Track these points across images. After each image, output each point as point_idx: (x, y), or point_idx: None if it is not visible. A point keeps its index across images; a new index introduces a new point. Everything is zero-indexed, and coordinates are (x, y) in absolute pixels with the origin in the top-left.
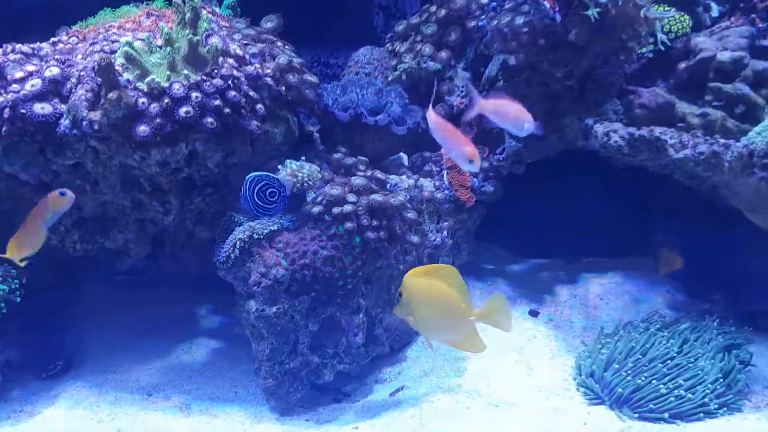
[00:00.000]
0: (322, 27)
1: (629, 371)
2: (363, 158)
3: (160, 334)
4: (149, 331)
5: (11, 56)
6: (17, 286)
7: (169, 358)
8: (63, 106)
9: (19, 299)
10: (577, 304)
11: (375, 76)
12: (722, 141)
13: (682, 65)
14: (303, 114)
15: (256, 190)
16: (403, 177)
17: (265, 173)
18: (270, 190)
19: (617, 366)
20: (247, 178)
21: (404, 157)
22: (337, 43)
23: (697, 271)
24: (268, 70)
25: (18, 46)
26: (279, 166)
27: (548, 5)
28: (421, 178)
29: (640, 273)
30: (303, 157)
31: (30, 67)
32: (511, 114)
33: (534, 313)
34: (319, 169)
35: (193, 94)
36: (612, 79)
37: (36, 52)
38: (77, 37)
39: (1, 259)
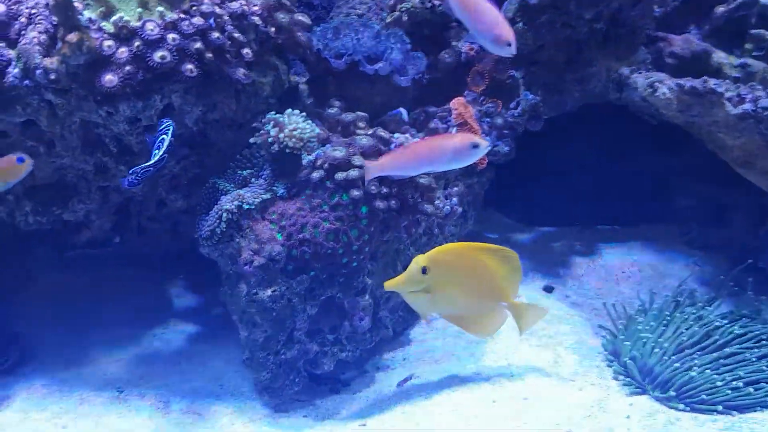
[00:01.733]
0: None
1: (675, 358)
2: (362, 114)
3: (128, 318)
4: (116, 315)
5: None
6: None
7: (140, 346)
8: (11, 52)
9: None
10: (595, 279)
11: (369, 18)
12: None
13: (720, 9)
14: (292, 62)
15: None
16: (407, 135)
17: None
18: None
19: (659, 351)
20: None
21: (404, 112)
22: None
23: (727, 241)
24: (255, 8)
25: None
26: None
27: None
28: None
29: (663, 242)
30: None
31: None
32: (490, 24)
33: (549, 289)
34: (314, 125)
35: (170, 36)
36: (641, 23)
37: None
38: None
39: None
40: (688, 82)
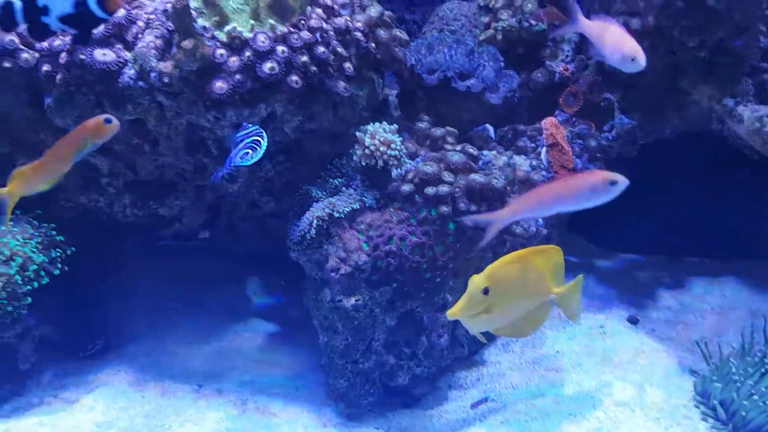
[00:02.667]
0: None
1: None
2: (452, 129)
3: (209, 311)
4: (198, 308)
5: None
6: (59, 255)
7: (220, 341)
8: (128, 54)
9: (57, 271)
10: (684, 314)
11: (462, 35)
12: None
13: None
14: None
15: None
16: (494, 153)
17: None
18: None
19: (757, 397)
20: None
21: (490, 128)
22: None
23: None
24: (359, 23)
25: None
26: (357, 133)
27: None
28: (513, 155)
29: (757, 279)
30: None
31: None
32: (618, 41)
33: (633, 321)
34: (401, 139)
35: (279, 48)
36: (746, 52)
37: None
38: None
39: (42, 224)
40: None
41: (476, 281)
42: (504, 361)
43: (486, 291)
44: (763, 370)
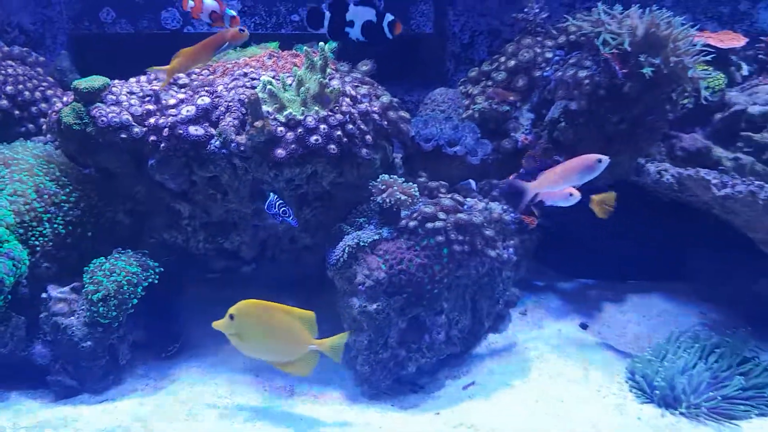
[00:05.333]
0: (400, 69)
1: (675, 378)
2: (444, 182)
3: None
4: None
5: (155, 84)
6: (150, 273)
7: None
8: (213, 130)
9: (135, 299)
10: (622, 320)
11: (449, 114)
12: (757, 182)
13: (718, 116)
14: (396, 144)
15: (277, 204)
16: (476, 200)
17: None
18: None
19: (664, 372)
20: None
21: (473, 182)
22: (412, 84)
23: (728, 295)
24: (375, 108)
25: (161, 74)
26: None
27: (617, 67)
28: (490, 202)
29: (678, 295)
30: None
31: (180, 95)
32: (560, 192)
33: (584, 326)
34: (415, 186)
35: (321, 126)
36: (659, 125)
37: (175, 80)
38: (208, 70)
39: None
40: (685, 171)
41: (230, 309)
42: (487, 356)
43: (232, 317)
44: (668, 355)
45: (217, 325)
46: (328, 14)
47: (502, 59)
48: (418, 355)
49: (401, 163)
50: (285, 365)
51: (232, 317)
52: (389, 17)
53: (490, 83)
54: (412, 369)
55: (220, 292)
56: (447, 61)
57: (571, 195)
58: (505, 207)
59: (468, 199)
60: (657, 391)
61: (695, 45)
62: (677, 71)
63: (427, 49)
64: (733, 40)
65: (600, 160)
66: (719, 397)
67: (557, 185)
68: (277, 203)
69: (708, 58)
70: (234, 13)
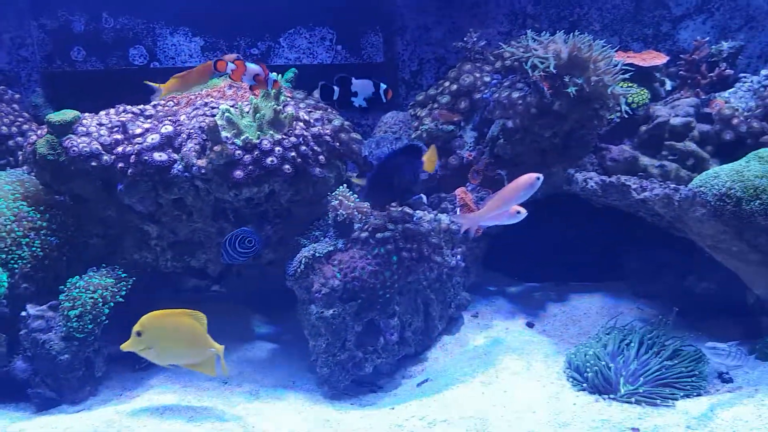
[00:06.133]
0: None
1: (607, 367)
2: None
3: (226, 336)
4: (217, 334)
5: (123, 115)
6: (123, 285)
7: (236, 354)
8: (176, 155)
9: (107, 311)
10: (564, 318)
11: (400, 135)
12: (673, 186)
13: (643, 128)
14: (349, 163)
15: (235, 243)
16: (425, 212)
17: (243, 229)
18: (248, 239)
19: (593, 362)
20: (228, 234)
21: (424, 197)
22: (367, 108)
23: (661, 291)
24: (327, 130)
25: (128, 107)
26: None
27: (545, 88)
28: (439, 214)
29: (616, 293)
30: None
31: (146, 124)
32: (503, 215)
33: (530, 325)
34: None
35: (276, 148)
36: (588, 138)
37: (142, 111)
38: (173, 101)
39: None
40: (608, 178)
41: (133, 327)
42: (440, 356)
43: (139, 333)
44: (600, 346)
45: (127, 346)
46: (336, 89)
47: (446, 84)
48: (374, 356)
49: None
50: (196, 366)
51: (139, 334)
52: (383, 86)
53: (436, 106)
54: (369, 369)
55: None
56: (398, 87)
57: (518, 212)
58: (452, 218)
59: (417, 212)
60: (590, 379)
61: (616, 65)
62: (599, 89)
63: (381, 76)
64: (654, 59)
65: (538, 178)
66: (644, 383)
67: (502, 209)
68: (239, 239)
69: (626, 76)
70: (276, 76)
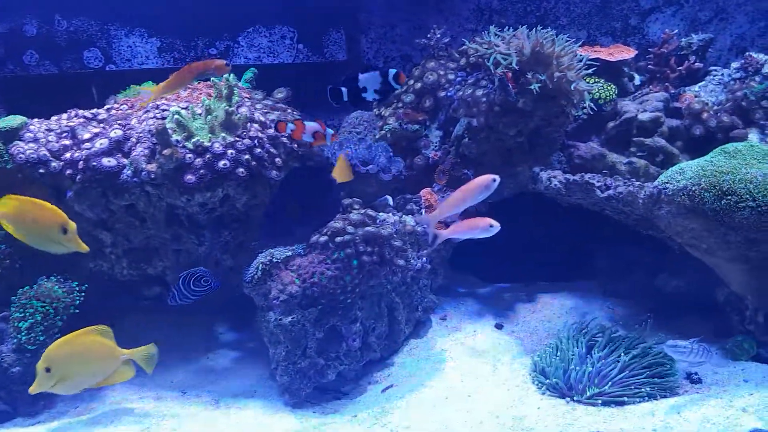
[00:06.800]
0: (322, 94)
1: (574, 369)
2: (357, 199)
3: (188, 345)
4: (178, 343)
5: (75, 120)
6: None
7: (197, 364)
8: (125, 160)
9: (60, 323)
10: (534, 319)
11: (365, 135)
12: (637, 183)
13: (611, 124)
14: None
15: (189, 282)
16: (389, 214)
17: (200, 269)
18: (204, 278)
19: (558, 365)
20: (182, 273)
21: (389, 198)
22: (333, 107)
23: (631, 290)
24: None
25: (80, 111)
26: None
27: (510, 86)
28: (403, 215)
29: (586, 292)
30: None
31: (96, 129)
32: (474, 225)
33: (499, 326)
34: None
35: (229, 151)
36: (555, 135)
37: (95, 116)
38: (126, 105)
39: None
40: (572, 177)
41: (38, 365)
42: (406, 361)
43: (48, 369)
44: (564, 348)
45: (35, 388)
46: (345, 90)
47: (411, 82)
48: (336, 363)
49: None
50: (108, 380)
51: (48, 370)
52: (392, 71)
53: (400, 105)
54: (332, 376)
55: (152, 318)
56: None
57: (491, 226)
58: (417, 219)
59: (381, 214)
60: (555, 382)
61: (581, 60)
62: (562, 85)
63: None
64: (622, 53)
65: (495, 179)
66: (610, 385)
67: (458, 209)
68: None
69: (590, 71)
70: (333, 131)
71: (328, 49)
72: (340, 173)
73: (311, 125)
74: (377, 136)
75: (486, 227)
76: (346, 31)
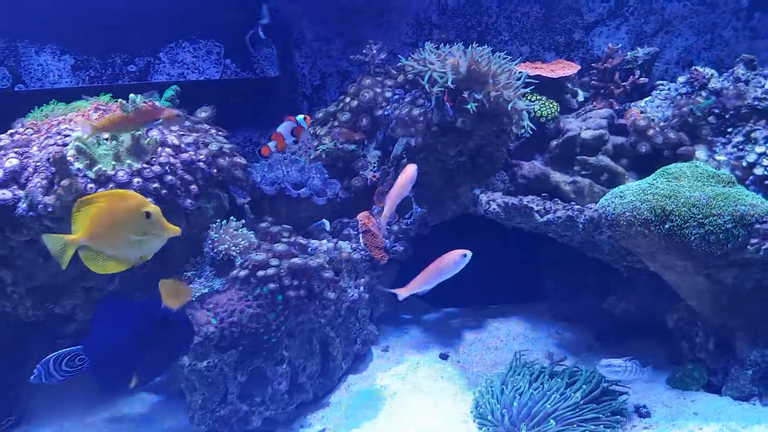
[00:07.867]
0: (255, 113)
1: (515, 407)
2: (287, 226)
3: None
4: (90, 389)
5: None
6: None
7: (108, 412)
8: (21, 192)
9: None
10: (481, 347)
11: (300, 155)
12: (577, 207)
13: (554, 142)
14: (235, 190)
15: (61, 362)
16: (324, 241)
17: (77, 347)
18: (78, 357)
19: (500, 402)
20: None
21: (327, 222)
22: (267, 125)
23: (579, 313)
24: (202, 156)
25: None
26: (211, 228)
27: (448, 105)
28: (340, 241)
29: (535, 316)
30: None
31: None
32: (446, 263)
33: (444, 357)
34: (251, 233)
35: (135, 180)
36: (497, 155)
37: None
38: (32, 129)
39: None
40: (510, 200)
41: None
42: (343, 399)
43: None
44: (505, 385)
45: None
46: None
47: (347, 99)
48: (261, 408)
49: (249, 208)
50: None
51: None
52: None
53: (336, 123)
54: (257, 423)
55: None
56: (300, 103)
57: (464, 255)
58: (354, 245)
59: (313, 241)
60: (495, 421)
61: (519, 78)
62: (499, 104)
63: (280, 91)
64: (564, 69)
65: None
66: (557, 422)
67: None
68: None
69: (527, 90)
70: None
71: (259, 65)
72: (169, 298)
73: (284, 126)
74: (312, 157)
75: (460, 260)
76: (277, 45)
